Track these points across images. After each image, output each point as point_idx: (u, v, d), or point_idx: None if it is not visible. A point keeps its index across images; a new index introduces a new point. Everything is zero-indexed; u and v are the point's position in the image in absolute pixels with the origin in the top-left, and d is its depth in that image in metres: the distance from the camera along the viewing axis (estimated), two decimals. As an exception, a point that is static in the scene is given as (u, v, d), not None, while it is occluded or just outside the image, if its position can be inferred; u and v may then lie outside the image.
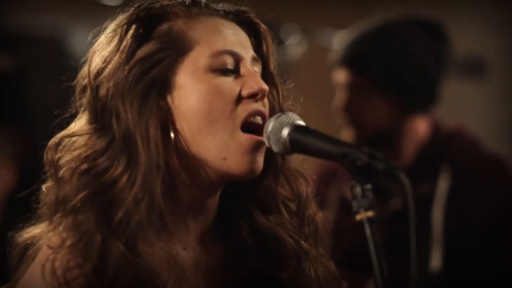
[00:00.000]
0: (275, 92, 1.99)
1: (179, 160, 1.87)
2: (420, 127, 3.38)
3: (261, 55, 1.98)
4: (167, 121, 1.87)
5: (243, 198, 1.97)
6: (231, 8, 1.97)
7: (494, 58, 5.85)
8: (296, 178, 2.00)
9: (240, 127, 1.86)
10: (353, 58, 3.33)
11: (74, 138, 1.89)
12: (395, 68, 3.29)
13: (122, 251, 1.77)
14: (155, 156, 1.81)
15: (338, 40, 3.48)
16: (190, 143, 1.86)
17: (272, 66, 2.00)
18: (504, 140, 5.83)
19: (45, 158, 1.89)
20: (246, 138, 1.86)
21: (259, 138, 1.88)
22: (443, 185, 3.28)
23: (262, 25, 1.99)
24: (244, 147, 1.86)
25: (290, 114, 1.90)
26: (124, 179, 1.81)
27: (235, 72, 1.89)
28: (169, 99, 1.87)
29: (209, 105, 1.85)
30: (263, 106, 1.90)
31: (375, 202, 3.21)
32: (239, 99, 1.87)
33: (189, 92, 1.86)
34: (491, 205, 3.26)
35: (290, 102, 2.03)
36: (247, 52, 1.91)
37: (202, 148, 1.85)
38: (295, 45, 4.24)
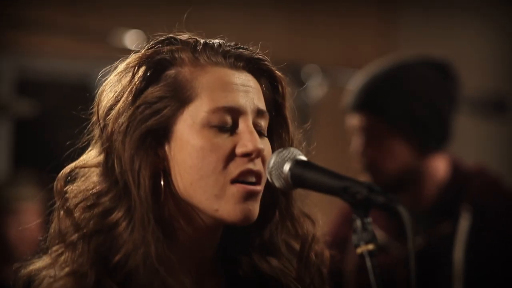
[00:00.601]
0: (285, 136, 1.97)
1: (175, 207, 1.88)
2: (440, 166, 3.35)
3: (275, 101, 1.97)
4: (163, 169, 1.88)
5: (244, 236, 1.96)
6: (244, 55, 1.93)
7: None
8: (302, 220, 1.98)
9: (231, 182, 1.86)
10: (369, 101, 3.32)
11: (84, 170, 1.91)
12: (411, 109, 3.28)
13: None
14: (145, 203, 1.82)
15: (351, 83, 3.46)
16: (183, 194, 1.87)
17: (286, 110, 1.98)
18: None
19: (54, 188, 1.90)
20: (238, 189, 1.85)
21: (251, 188, 1.86)
22: (464, 224, 3.25)
23: (277, 72, 1.97)
24: (235, 198, 1.85)
25: (292, 149, 1.88)
26: (124, 223, 1.83)
27: (233, 128, 1.88)
28: (166, 148, 1.88)
29: (201, 161, 1.85)
30: (260, 162, 1.89)
31: (391, 241, 3.20)
32: (232, 156, 1.86)
33: (184, 145, 1.86)
34: (513, 244, 3.23)
35: (302, 147, 2.00)
36: (251, 105, 1.89)
37: (194, 200, 1.86)
38: (316, 87, 4.21)
